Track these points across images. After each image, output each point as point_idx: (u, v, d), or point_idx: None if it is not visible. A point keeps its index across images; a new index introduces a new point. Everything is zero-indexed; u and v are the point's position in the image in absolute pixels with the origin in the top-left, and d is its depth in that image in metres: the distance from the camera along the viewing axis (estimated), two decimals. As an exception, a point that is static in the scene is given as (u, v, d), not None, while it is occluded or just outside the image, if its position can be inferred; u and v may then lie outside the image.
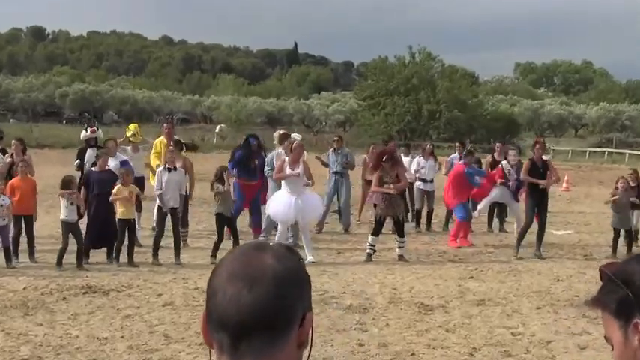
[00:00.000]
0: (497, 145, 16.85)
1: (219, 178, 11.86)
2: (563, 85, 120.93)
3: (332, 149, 15.99)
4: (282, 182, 12.26)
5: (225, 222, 11.98)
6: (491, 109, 66.35)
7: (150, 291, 9.64)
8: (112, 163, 12.41)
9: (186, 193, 12.90)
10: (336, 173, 15.55)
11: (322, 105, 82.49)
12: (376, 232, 12.31)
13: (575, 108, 77.49)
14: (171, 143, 13.39)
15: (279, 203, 12.13)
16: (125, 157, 12.97)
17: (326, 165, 15.82)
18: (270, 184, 13.47)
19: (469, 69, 75.39)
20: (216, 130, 54.78)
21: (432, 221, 16.02)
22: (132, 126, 14.59)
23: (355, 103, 69.91)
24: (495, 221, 16.06)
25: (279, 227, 12.26)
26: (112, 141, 13.31)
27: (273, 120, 76.73)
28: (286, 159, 12.32)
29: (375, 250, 12.34)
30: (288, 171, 12.04)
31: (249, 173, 13.60)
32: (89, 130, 13.48)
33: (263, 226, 13.39)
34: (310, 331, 1.42)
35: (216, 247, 11.52)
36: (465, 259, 12.59)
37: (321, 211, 13.67)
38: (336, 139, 16.46)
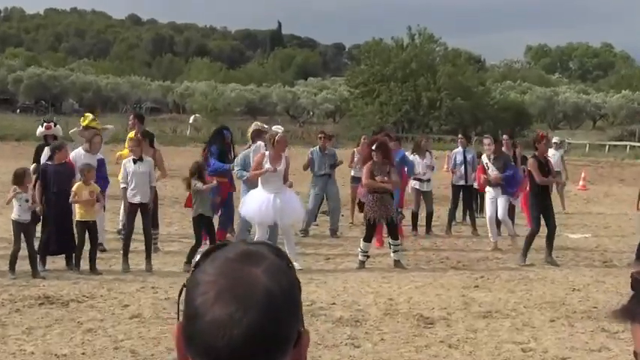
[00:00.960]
0: (505, 136, 16.84)
1: (199, 175, 11.70)
2: (580, 70, 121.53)
3: (317, 148, 15.76)
4: (259, 178, 12.10)
5: (204, 223, 11.78)
6: (499, 98, 66.53)
7: (115, 302, 9.62)
8: (90, 162, 12.30)
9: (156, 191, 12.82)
10: (323, 175, 15.43)
11: (309, 93, 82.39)
12: (368, 237, 12.30)
13: (594, 96, 77.68)
14: (139, 134, 13.34)
15: (254, 202, 12.01)
16: (102, 156, 12.82)
17: (307, 167, 15.65)
18: (242, 186, 13.33)
19: (474, 53, 75.94)
20: (190, 121, 54.67)
21: (433, 224, 16.05)
22: (88, 115, 14.51)
23: (346, 90, 69.90)
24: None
25: (257, 230, 12.14)
26: (98, 136, 13.15)
27: (255, 109, 76.62)
28: (267, 153, 12.23)
29: (368, 257, 12.35)
30: (266, 166, 11.93)
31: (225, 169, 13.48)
32: (44, 125, 13.40)
33: (236, 230, 13.27)
34: (305, 352, 1.41)
35: (193, 252, 11.31)
36: (470, 266, 12.62)
37: (302, 212, 13.47)
38: (321, 136, 16.18)
